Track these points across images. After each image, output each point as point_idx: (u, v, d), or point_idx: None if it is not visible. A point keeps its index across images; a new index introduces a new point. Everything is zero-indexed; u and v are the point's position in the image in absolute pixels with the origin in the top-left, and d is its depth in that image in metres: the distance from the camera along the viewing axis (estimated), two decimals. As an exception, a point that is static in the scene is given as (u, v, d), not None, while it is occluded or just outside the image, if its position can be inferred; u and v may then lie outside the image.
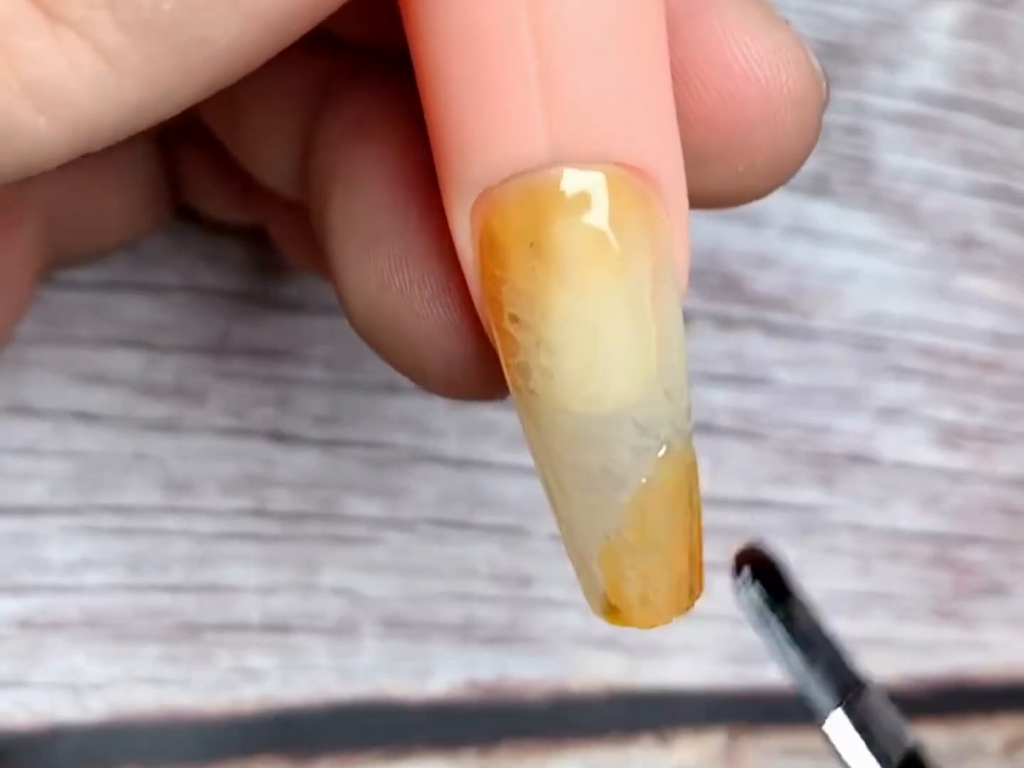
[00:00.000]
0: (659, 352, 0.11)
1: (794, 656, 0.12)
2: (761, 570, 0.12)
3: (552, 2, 0.10)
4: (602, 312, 0.11)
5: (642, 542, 0.12)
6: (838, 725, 0.12)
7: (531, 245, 0.11)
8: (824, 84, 0.13)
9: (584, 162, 0.11)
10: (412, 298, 0.12)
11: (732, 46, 0.12)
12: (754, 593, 0.12)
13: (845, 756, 0.12)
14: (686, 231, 0.11)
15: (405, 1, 0.11)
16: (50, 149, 0.10)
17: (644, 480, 0.11)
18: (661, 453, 0.11)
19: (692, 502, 0.12)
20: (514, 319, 0.11)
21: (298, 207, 0.15)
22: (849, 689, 0.12)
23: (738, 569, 0.12)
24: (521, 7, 0.10)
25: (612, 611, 0.12)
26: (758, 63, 0.12)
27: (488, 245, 0.11)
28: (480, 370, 0.12)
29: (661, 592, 0.12)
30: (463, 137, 0.11)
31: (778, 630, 0.12)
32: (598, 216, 0.11)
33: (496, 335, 0.11)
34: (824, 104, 0.13)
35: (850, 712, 0.12)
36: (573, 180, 0.11)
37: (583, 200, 0.11)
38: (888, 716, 0.12)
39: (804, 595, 0.12)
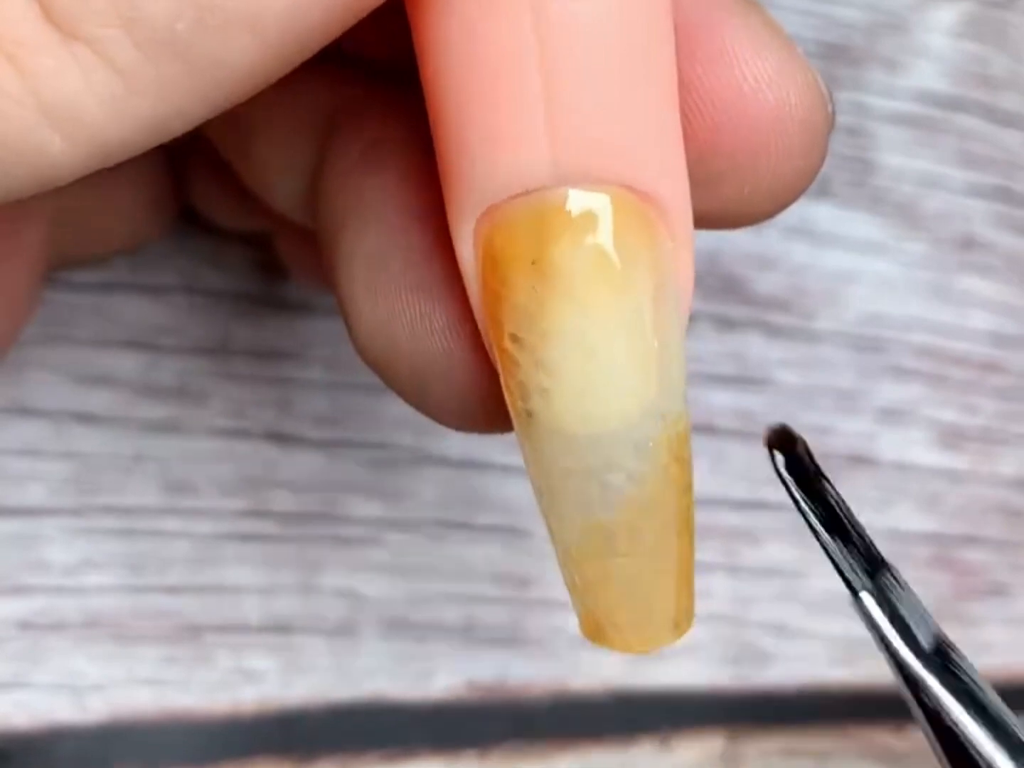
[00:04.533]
0: (659, 373, 0.11)
1: (827, 534, 0.12)
2: (791, 451, 0.12)
3: (559, 23, 0.10)
4: (602, 331, 0.11)
5: (635, 564, 0.11)
6: (871, 602, 0.12)
7: (533, 263, 0.11)
8: (831, 107, 0.13)
9: (588, 183, 0.10)
10: (422, 330, 0.12)
11: (743, 66, 0.12)
12: (788, 474, 0.12)
13: (884, 629, 0.12)
14: (691, 253, 0.11)
15: (415, 18, 0.11)
16: (65, 166, 0.10)
17: (639, 501, 0.11)
18: (655, 474, 0.11)
19: (688, 524, 0.12)
20: (514, 338, 0.11)
21: (304, 228, 0.15)
22: (877, 569, 0.12)
23: (772, 451, 0.12)
24: (528, 27, 0.10)
25: (601, 634, 0.12)
26: (768, 84, 0.12)
27: (490, 262, 0.11)
28: (487, 403, 0.12)
29: (653, 615, 0.12)
30: (468, 155, 0.11)
31: (813, 509, 0.12)
32: (600, 237, 0.11)
33: (497, 355, 0.11)
34: (831, 126, 0.13)
35: (881, 591, 0.12)
36: (577, 200, 0.10)
37: (586, 220, 0.11)
38: (913, 599, 0.12)
39: (827, 477, 0.13)
